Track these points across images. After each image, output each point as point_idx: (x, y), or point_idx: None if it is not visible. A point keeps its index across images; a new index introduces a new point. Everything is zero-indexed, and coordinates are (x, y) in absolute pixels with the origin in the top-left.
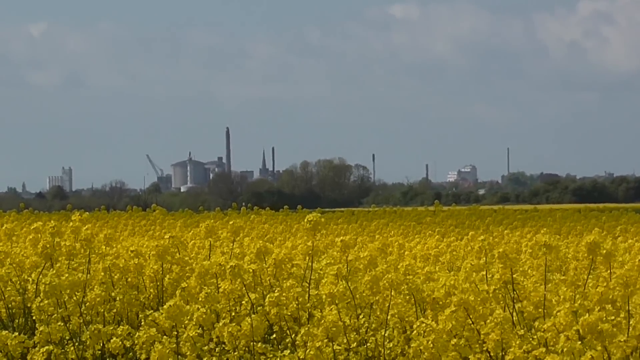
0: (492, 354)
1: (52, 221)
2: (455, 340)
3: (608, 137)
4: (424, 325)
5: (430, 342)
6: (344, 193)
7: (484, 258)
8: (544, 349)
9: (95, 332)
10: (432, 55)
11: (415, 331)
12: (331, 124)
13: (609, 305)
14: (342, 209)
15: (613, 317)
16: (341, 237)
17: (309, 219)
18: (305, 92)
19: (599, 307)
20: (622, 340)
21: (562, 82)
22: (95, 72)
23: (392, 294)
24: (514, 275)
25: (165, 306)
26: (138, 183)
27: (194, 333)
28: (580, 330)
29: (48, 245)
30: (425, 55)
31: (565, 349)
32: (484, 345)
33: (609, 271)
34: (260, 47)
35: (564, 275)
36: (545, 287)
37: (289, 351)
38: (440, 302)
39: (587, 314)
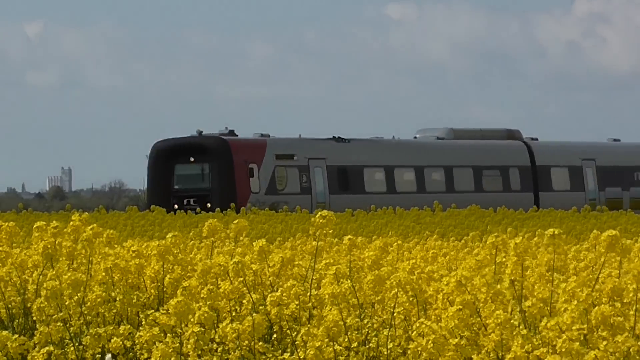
0: (492, 355)
1: (54, 221)
2: (455, 340)
3: (606, 138)
4: (424, 326)
5: (430, 343)
6: None
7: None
8: (545, 349)
9: (95, 337)
10: (430, 55)
11: (415, 332)
12: (330, 124)
13: (618, 303)
14: None
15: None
16: (348, 236)
17: (323, 215)
18: (303, 92)
19: (609, 301)
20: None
21: (560, 82)
22: (94, 72)
23: (398, 293)
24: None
25: (172, 301)
26: (137, 183)
27: (197, 329)
28: (593, 322)
29: (49, 246)
30: (423, 56)
31: (564, 349)
32: (485, 345)
33: (621, 266)
34: (258, 47)
35: (563, 275)
36: (552, 285)
37: (289, 353)
38: (449, 298)
39: (599, 307)
